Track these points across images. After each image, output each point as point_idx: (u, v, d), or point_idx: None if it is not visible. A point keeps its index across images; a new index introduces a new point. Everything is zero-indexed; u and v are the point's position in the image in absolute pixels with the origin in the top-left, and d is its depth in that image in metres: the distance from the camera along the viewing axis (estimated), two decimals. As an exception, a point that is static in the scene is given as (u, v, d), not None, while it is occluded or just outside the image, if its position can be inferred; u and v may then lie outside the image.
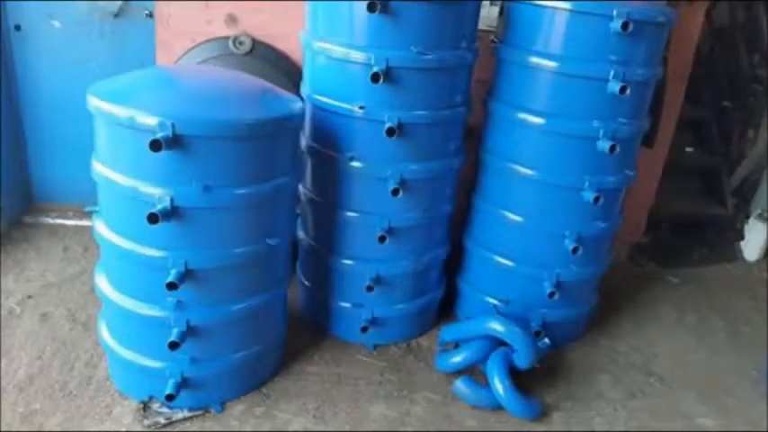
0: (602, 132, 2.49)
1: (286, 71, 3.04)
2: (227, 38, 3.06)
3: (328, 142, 2.53)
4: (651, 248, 4.04)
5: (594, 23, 2.40)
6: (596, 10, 2.37)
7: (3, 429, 2.18)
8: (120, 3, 3.24)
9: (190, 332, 2.17)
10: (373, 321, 2.75)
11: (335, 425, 2.37)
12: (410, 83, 2.37)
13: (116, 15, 3.27)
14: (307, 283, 2.90)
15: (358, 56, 2.32)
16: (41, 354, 2.55)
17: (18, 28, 3.28)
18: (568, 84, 2.49)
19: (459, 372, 2.63)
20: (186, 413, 2.32)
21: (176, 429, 2.27)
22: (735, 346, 3.20)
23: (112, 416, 2.29)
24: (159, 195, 1.97)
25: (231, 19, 3.08)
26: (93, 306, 2.81)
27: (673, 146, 3.77)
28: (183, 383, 2.25)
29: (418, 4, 2.27)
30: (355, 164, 2.49)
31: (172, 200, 1.97)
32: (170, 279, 2.02)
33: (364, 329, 2.73)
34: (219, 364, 2.32)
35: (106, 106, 1.96)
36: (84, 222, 3.50)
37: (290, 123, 2.22)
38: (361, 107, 2.38)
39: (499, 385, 2.46)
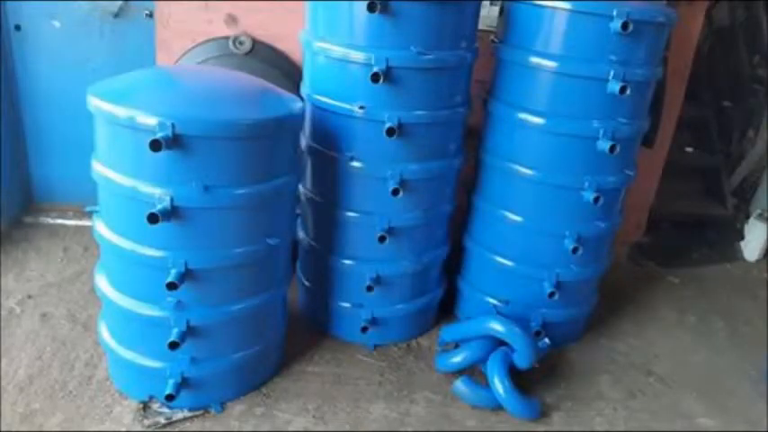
0: (602, 132, 2.49)
1: (286, 71, 3.04)
2: (227, 38, 3.06)
3: (328, 142, 2.53)
4: (651, 248, 4.04)
5: (594, 23, 2.40)
6: (596, 10, 2.37)
7: (3, 429, 2.18)
8: (120, 3, 3.24)
9: (190, 332, 2.17)
10: (373, 321, 2.75)
11: (335, 425, 2.37)
12: (410, 83, 2.37)
13: (116, 15, 3.27)
14: (307, 283, 2.90)
15: (358, 56, 2.32)
16: (41, 354, 2.55)
17: (18, 28, 3.28)
18: (568, 84, 2.49)
19: (459, 372, 2.63)
20: (186, 413, 2.32)
21: (176, 429, 2.27)
22: (735, 346, 3.20)
23: (112, 416, 2.29)
24: (159, 195, 1.97)
25: (231, 19, 3.08)
26: (93, 306, 2.81)
27: (673, 146, 3.77)
28: (183, 383, 2.25)
29: (418, 3, 2.27)
30: (355, 164, 2.49)
31: (172, 200, 1.97)
32: (170, 279, 2.02)
33: (364, 329, 2.74)
34: (219, 364, 2.32)
35: (106, 106, 1.96)
36: (85, 222, 3.50)
37: (290, 123, 2.22)
38: (361, 107, 2.38)
39: (499, 385, 2.46)
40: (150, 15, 3.21)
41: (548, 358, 2.78)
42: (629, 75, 2.41)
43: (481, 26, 2.68)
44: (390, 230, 2.56)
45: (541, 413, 2.53)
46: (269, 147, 2.15)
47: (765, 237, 4.13)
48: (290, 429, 2.33)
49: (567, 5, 2.40)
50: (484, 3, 2.82)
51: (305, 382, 2.57)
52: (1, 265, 3.13)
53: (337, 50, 2.36)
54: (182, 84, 2.20)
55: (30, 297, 2.91)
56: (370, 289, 2.63)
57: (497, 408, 2.50)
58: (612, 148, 2.45)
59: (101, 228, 2.18)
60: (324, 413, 2.42)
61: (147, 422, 2.26)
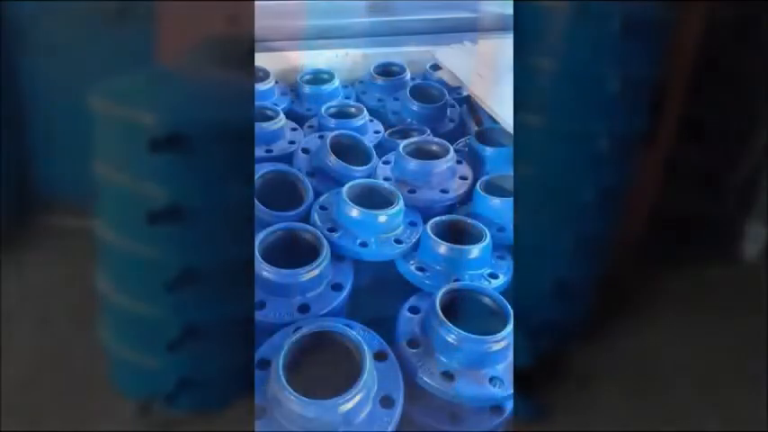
0: (601, 132, 2.49)
1: (286, 71, 3.04)
2: (227, 38, 3.06)
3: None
4: (651, 248, 4.03)
5: (594, 23, 2.40)
6: (596, 9, 2.37)
7: (2, 429, 2.18)
8: (120, 3, 3.24)
9: (190, 332, 2.17)
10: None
11: (335, 425, 2.37)
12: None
13: (116, 15, 3.27)
14: (307, 282, 2.90)
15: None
16: (41, 354, 2.55)
17: (18, 27, 3.28)
18: (567, 83, 2.48)
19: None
20: (186, 413, 2.32)
21: (176, 429, 2.27)
22: (735, 346, 3.19)
23: (112, 416, 2.28)
24: (159, 195, 1.97)
25: (231, 19, 3.08)
26: (94, 306, 2.80)
27: (673, 146, 3.76)
28: (183, 383, 2.25)
29: None
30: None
31: (171, 200, 1.97)
32: (170, 279, 2.02)
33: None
34: (219, 365, 2.32)
35: (106, 106, 1.97)
36: (85, 223, 3.49)
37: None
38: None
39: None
40: (150, 15, 3.21)
41: (548, 358, 2.78)
42: (628, 74, 2.41)
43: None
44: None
45: (541, 413, 2.53)
46: (269, 147, 2.16)
47: (765, 237, 4.12)
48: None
49: (566, 5, 2.40)
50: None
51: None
52: (1, 265, 3.12)
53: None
54: (182, 84, 2.20)
55: (29, 298, 2.90)
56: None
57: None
58: (612, 149, 2.45)
59: (100, 228, 2.18)
60: (324, 413, 2.41)
61: (146, 422, 2.26)
